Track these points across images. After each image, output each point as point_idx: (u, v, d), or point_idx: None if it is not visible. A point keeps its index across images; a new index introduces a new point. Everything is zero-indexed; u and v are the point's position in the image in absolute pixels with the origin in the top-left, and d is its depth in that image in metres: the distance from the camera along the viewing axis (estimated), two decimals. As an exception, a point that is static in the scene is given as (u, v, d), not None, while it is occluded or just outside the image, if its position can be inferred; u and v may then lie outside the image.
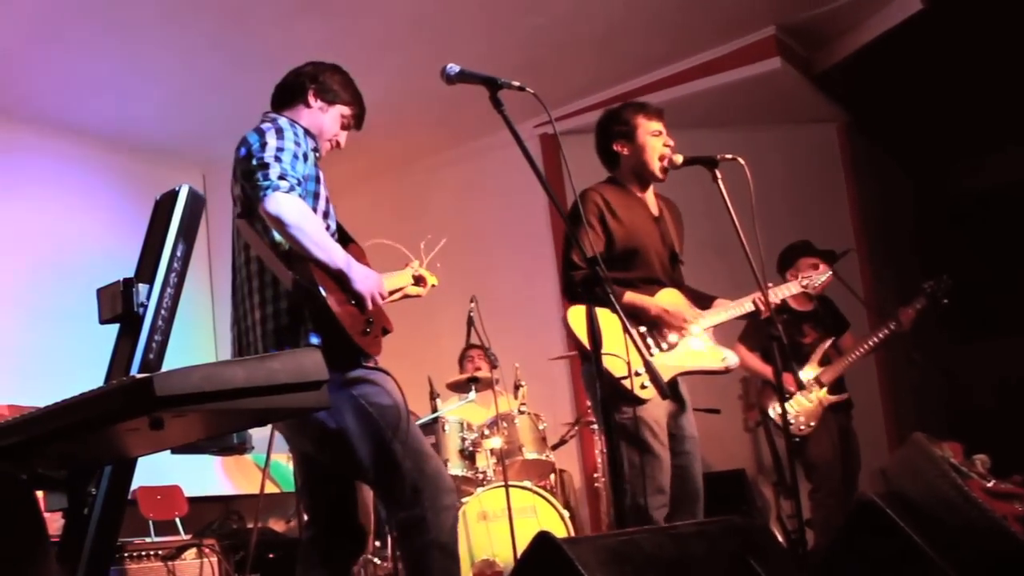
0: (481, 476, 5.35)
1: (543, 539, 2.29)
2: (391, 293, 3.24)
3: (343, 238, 3.10)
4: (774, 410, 5.10)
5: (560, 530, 5.02)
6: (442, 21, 6.04)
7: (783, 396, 4.01)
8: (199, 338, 7.35)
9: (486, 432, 5.41)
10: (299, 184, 2.82)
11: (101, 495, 2.35)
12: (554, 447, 5.78)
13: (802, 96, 7.09)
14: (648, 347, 3.54)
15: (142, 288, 2.45)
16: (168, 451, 2.85)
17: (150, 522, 5.53)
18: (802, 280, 3.99)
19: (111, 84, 6.38)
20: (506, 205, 7.57)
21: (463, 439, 5.47)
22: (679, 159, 3.68)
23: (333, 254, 2.83)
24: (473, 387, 5.76)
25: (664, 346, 3.57)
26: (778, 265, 5.29)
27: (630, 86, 6.99)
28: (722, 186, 3.52)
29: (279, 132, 2.89)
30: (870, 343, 5.13)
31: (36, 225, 6.58)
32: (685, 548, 2.46)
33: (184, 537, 5.46)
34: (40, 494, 2.38)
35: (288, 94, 3.14)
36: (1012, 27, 6.30)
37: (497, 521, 5.02)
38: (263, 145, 2.83)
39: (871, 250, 7.33)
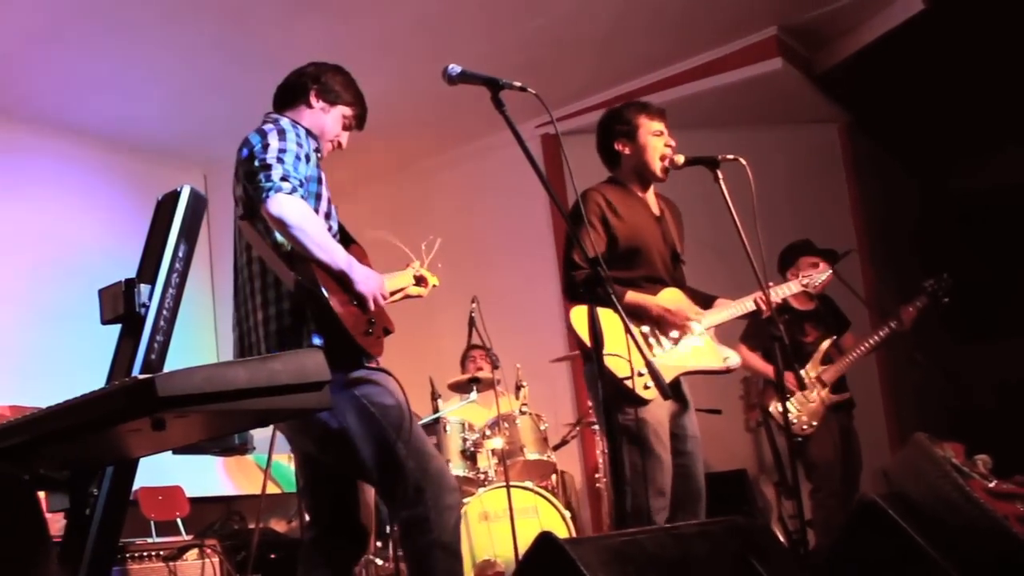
0: (482, 476, 5.35)
1: (545, 539, 2.29)
2: (392, 294, 3.24)
3: (345, 239, 3.10)
4: (776, 410, 5.10)
5: (561, 530, 5.01)
6: (443, 21, 6.04)
7: (784, 396, 4.00)
8: (200, 339, 7.35)
9: (487, 432, 5.41)
10: (301, 185, 2.82)
11: (103, 496, 2.35)
12: (555, 447, 5.78)
13: (803, 96, 7.09)
14: (650, 347, 3.53)
15: (144, 288, 2.45)
16: (169, 451, 2.85)
17: (151, 523, 5.54)
18: (802, 279, 3.99)
19: (112, 84, 6.38)
20: (507, 205, 7.57)
21: (464, 439, 5.47)
22: (680, 159, 3.68)
23: (335, 255, 2.83)
24: (474, 387, 5.76)
25: (666, 346, 3.57)
26: (779, 264, 5.29)
27: (631, 86, 6.99)
28: (723, 186, 3.52)
29: (281, 133, 2.89)
30: (871, 342, 5.13)
31: (37, 225, 6.58)
32: (687, 548, 2.46)
33: (186, 538, 5.47)
34: (42, 495, 2.38)
35: (290, 95, 3.14)
36: (1014, 27, 6.30)
37: (498, 521, 5.03)
38: (265, 146, 2.83)
39: (872, 250, 7.33)
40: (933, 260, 6.71)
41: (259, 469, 6.56)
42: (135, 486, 2.51)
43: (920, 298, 5.09)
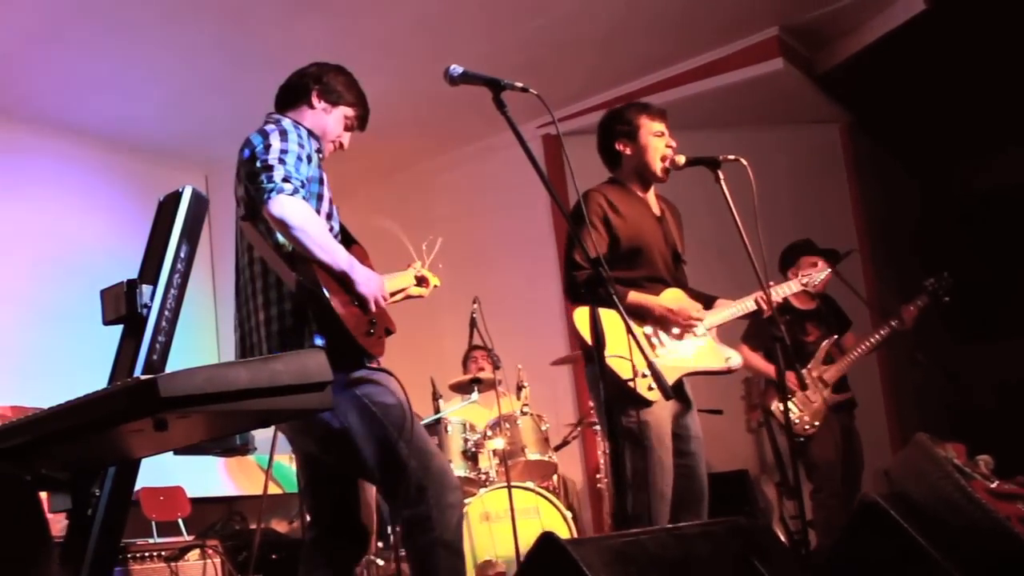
0: (484, 477, 5.35)
1: (547, 540, 2.29)
2: (394, 294, 3.24)
3: (346, 239, 3.10)
4: (778, 410, 5.09)
5: (563, 531, 5.01)
6: (443, 22, 6.04)
7: (786, 395, 4.00)
8: (202, 339, 7.35)
9: (489, 433, 5.42)
10: (303, 186, 2.82)
11: (105, 496, 2.35)
12: (557, 448, 5.78)
13: (805, 97, 7.09)
14: (653, 347, 3.53)
15: (146, 289, 2.45)
16: (171, 452, 2.85)
17: (153, 523, 5.53)
18: (802, 278, 4.00)
19: (112, 84, 6.38)
20: (508, 206, 7.57)
21: (466, 440, 5.47)
22: (681, 160, 3.68)
23: (336, 256, 2.83)
24: (476, 388, 5.76)
25: (669, 346, 3.57)
26: (780, 264, 5.29)
27: (632, 87, 6.99)
28: (725, 187, 3.52)
29: (283, 134, 2.89)
30: (872, 341, 5.13)
31: (38, 226, 6.59)
32: (689, 549, 2.46)
33: (187, 538, 5.47)
34: (44, 495, 2.38)
35: (292, 95, 3.14)
36: (1015, 27, 6.30)
37: (500, 522, 5.03)
38: (267, 147, 2.84)
39: (873, 250, 7.33)
40: (934, 260, 6.71)
41: (260, 470, 6.56)
42: (136, 486, 2.50)
43: (921, 297, 5.09)
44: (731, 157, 3.54)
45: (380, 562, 5.31)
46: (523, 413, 5.50)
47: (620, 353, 3.26)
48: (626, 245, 3.60)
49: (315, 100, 3.11)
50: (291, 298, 2.83)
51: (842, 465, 5.07)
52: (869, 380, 6.58)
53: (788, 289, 3.89)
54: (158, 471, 5.42)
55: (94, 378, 2.29)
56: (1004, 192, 8.20)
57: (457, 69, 2.89)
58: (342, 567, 3.05)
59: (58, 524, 2.45)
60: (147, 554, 4.89)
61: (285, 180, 2.76)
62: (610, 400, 3.24)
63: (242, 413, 2.02)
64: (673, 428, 3.52)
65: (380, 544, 5.40)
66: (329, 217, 2.99)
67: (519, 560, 4.58)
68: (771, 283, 3.66)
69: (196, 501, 5.96)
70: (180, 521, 5.71)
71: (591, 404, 5.72)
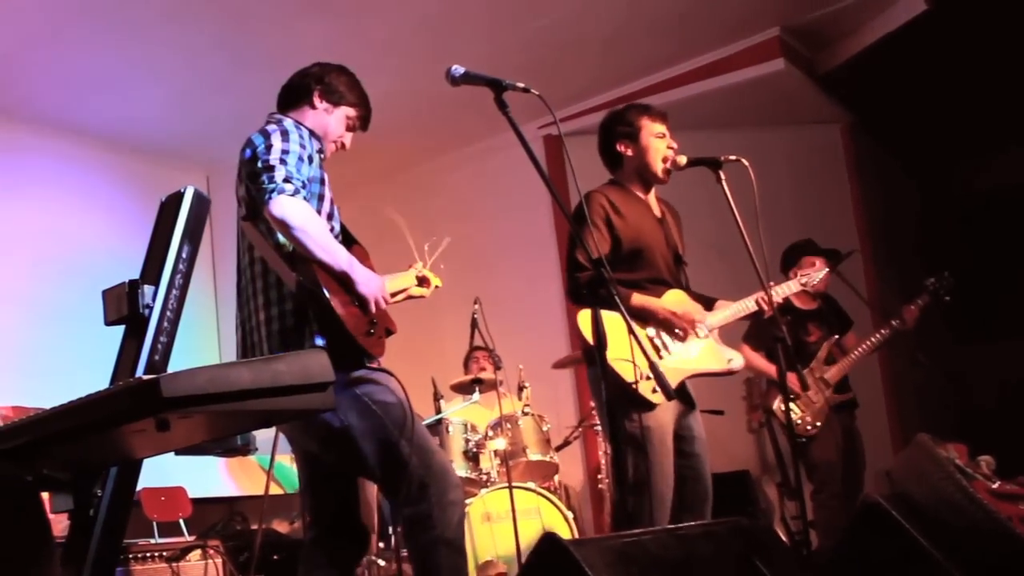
0: (485, 477, 5.35)
1: (549, 540, 2.29)
2: (395, 294, 3.24)
3: (347, 239, 3.10)
4: (779, 410, 5.09)
5: (564, 531, 5.01)
6: (445, 22, 6.04)
7: (787, 396, 4.01)
8: (203, 339, 7.35)
9: (490, 433, 5.42)
10: (304, 187, 2.83)
11: (106, 496, 2.34)
12: (558, 448, 5.78)
13: (806, 97, 7.09)
14: (656, 350, 3.52)
15: (147, 289, 2.45)
16: (172, 452, 2.85)
17: (154, 523, 5.53)
18: (801, 278, 4.00)
19: (113, 84, 6.38)
20: (510, 206, 7.57)
21: (467, 440, 5.47)
22: (683, 160, 3.68)
23: (337, 256, 2.83)
24: (477, 388, 5.77)
25: (672, 348, 3.56)
26: (781, 264, 5.29)
27: (634, 87, 6.99)
28: (726, 187, 3.52)
29: (284, 134, 2.89)
30: (873, 341, 5.13)
31: (39, 226, 6.59)
32: (691, 549, 2.46)
33: (188, 538, 5.47)
34: (45, 496, 2.38)
35: (293, 95, 3.14)
36: (1016, 28, 6.30)
37: (501, 522, 5.02)
38: (268, 147, 2.84)
39: (874, 250, 7.33)
40: (935, 260, 6.71)
41: (262, 470, 6.56)
42: (137, 487, 2.50)
43: (922, 296, 5.09)
44: (732, 157, 3.54)
45: (381, 562, 5.31)
46: (524, 413, 5.50)
47: (623, 355, 3.25)
48: (628, 246, 3.60)
49: (317, 100, 3.11)
50: (292, 298, 2.83)
51: (843, 465, 5.07)
52: (870, 380, 6.57)
53: (788, 289, 3.89)
54: (159, 471, 5.42)
55: (96, 378, 2.29)
56: (1004, 192, 8.20)
57: (459, 69, 2.89)
58: (342, 567, 3.04)
59: (60, 524, 2.45)
60: (148, 554, 4.88)
61: (286, 180, 2.76)
62: (612, 402, 3.24)
63: (244, 413, 2.02)
64: (676, 429, 3.52)
65: (381, 544, 5.40)
66: (330, 217, 2.99)
67: (520, 560, 4.58)
68: (772, 283, 3.66)
69: (197, 501, 5.96)
70: (181, 521, 5.71)
71: (592, 405, 5.73)
